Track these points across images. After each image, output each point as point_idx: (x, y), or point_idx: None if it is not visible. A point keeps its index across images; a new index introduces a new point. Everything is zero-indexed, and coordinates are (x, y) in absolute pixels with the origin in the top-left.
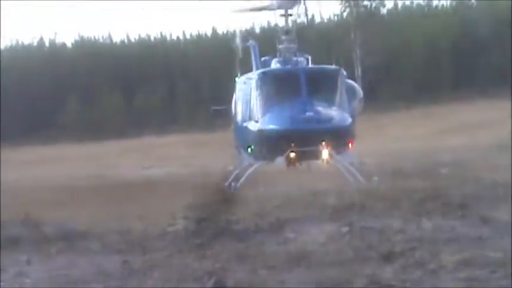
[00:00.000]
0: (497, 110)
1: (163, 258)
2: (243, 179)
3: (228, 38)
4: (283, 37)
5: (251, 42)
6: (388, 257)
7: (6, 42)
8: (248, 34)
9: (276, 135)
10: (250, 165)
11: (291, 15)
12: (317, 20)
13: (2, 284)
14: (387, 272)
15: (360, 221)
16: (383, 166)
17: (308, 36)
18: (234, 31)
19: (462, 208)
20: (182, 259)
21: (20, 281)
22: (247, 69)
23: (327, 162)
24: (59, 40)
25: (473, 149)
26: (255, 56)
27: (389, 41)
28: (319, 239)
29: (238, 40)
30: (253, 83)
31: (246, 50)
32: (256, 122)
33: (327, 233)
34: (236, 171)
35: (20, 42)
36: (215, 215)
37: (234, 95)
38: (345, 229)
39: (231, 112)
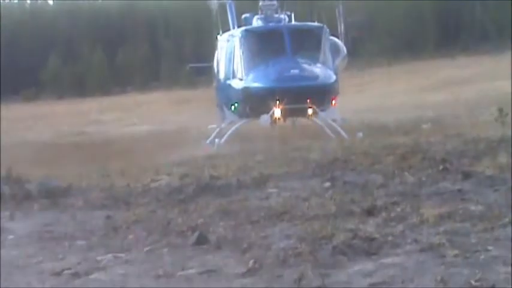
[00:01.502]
0: (480, 66)
1: (147, 214)
2: (226, 135)
3: None
4: None
5: (227, 1)
6: (370, 211)
7: None
8: None
9: (260, 92)
10: (234, 122)
11: None
12: None
13: None
14: (369, 226)
15: (343, 176)
16: (365, 122)
17: None
18: None
19: (444, 163)
20: (165, 214)
21: (3, 237)
22: (228, 27)
23: (311, 119)
24: None
25: (456, 105)
26: (231, 14)
27: None
28: (302, 194)
29: None
30: (236, 41)
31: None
32: (241, 80)
33: (309, 188)
34: (219, 129)
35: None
36: (198, 171)
37: (216, 52)
38: (328, 184)
39: (213, 70)
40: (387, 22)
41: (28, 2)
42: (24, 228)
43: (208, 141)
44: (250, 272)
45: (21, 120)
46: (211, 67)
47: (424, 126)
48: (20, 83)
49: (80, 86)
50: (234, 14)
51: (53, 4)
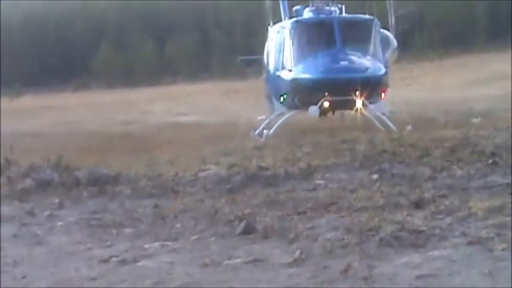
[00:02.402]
0: None
1: (194, 203)
2: (275, 127)
3: None
4: None
5: None
6: (418, 204)
7: None
8: None
9: (309, 84)
10: (282, 114)
11: None
12: None
13: (34, 226)
14: (417, 218)
15: (391, 168)
16: (415, 115)
17: None
18: None
19: (493, 156)
20: (213, 204)
21: (53, 223)
22: (280, 18)
23: (360, 111)
24: None
25: (506, 100)
26: (284, 6)
27: None
28: (349, 186)
29: None
30: (287, 32)
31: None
32: (290, 71)
33: (357, 180)
34: (267, 120)
35: None
36: (246, 161)
37: (267, 44)
38: (375, 176)
39: (263, 61)
40: (438, 15)
41: None
42: (73, 216)
43: (256, 132)
44: (296, 262)
45: (71, 109)
46: (261, 59)
47: (474, 120)
48: (70, 72)
49: (129, 76)
50: (287, 6)
51: None
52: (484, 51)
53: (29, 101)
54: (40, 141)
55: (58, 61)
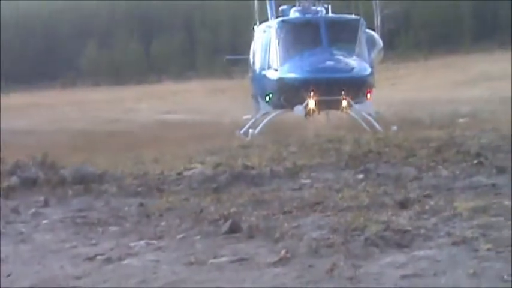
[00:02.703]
0: None
1: (180, 201)
2: (260, 126)
3: None
4: None
5: None
6: (403, 204)
7: None
8: None
9: (295, 83)
10: (268, 113)
11: None
12: None
13: (19, 224)
14: (402, 218)
15: (376, 168)
16: (400, 116)
17: None
18: None
19: (478, 157)
20: (198, 202)
21: (37, 221)
22: (266, 17)
23: (346, 111)
24: None
25: (492, 101)
26: (271, 7)
27: None
28: (335, 185)
29: None
30: (273, 31)
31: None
32: (276, 70)
33: (342, 180)
34: (253, 119)
35: None
36: (231, 160)
37: (253, 43)
38: (361, 176)
39: (249, 60)
40: (424, 15)
41: None
42: (58, 214)
43: (242, 131)
44: (282, 262)
45: (58, 107)
46: (248, 58)
47: (460, 120)
48: (58, 70)
49: (116, 74)
50: (273, 6)
51: None
52: (470, 51)
53: (16, 98)
54: (26, 139)
55: (45, 59)
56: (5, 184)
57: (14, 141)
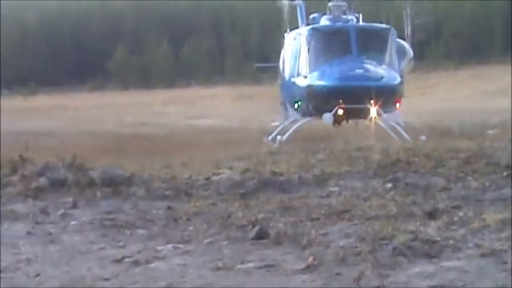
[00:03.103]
0: None
1: (207, 206)
2: (288, 133)
3: None
4: None
5: (298, 2)
6: (431, 214)
7: None
8: None
9: (324, 91)
10: (296, 120)
11: None
12: None
13: (48, 224)
14: (431, 229)
15: (405, 177)
16: (429, 125)
17: None
18: None
19: (508, 168)
20: (226, 208)
21: (66, 222)
22: (296, 25)
23: (375, 120)
24: None
25: None
26: (301, 16)
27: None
28: (363, 194)
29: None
30: (303, 39)
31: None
32: (305, 77)
33: (371, 188)
34: (282, 126)
35: None
36: (259, 166)
37: (283, 50)
38: (389, 185)
39: (278, 67)
40: (454, 25)
41: None
42: (87, 215)
43: (270, 138)
44: (309, 269)
45: (86, 110)
46: (277, 66)
47: (490, 131)
48: (86, 73)
49: (145, 78)
50: (304, 14)
51: None
52: (500, 62)
53: (44, 100)
54: (55, 140)
55: (74, 61)
56: (33, 185)
57: (42, 143)
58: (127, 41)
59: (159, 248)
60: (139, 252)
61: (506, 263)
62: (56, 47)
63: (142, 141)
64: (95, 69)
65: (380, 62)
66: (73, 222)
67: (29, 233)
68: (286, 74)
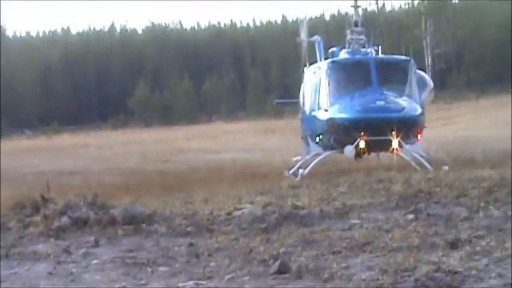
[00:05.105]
0: None
1: (229, 241)
2: (310, 166)
3: (298, 26)
4: (353, 28)
5: (316, 38)
6: (454, 244)
7: (77, 27)
8: (318, 22)
9: (345, 123)
10: (318, 154)
11: (359, 6)
12: (388, 8)
13: (70, 264)
14: (453, 259)
15: (427, 208)
16: (451, 155)
17: (378, 24)
18: (300, 21)
19: None
20: (247, 242)
21: (88, 261)
22: (315, 59)
23: (396, 152)
24: (129, 26)
25: None
26: (320, 51)
27: (460, 29)
28: (385, 226)
29: (303, 35)
30: (323, 72)
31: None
32: (326, 111)
33: (392, 220)
34: (302, 160)
35: (91, 28)
36: (281, 200)
37: (302, 85)
38: (411, 216)
39: (299, 102)
40: (475, 55)
41: (118, 30)
42: (108, 254)
43: (291, 172)
44: None
45: (109, 147)
46: (297, 101)
47: None
48: (109, 111)
49: (167, 114)
50: (322, 49)
51: (142, 33)
52: None
53: (67, 138)
54: (77, 179)
55: (97, 99)
56: (55, 224)
57: (63, 181)
58: (148, 77)
59: (181, 285)
60: None
61: None
62: (78, 85)
63: (165, 178)
64: (118, 106)
65: (401, 93)
66: (95, 261)
67: (50, 273)
68: (307, 108)
